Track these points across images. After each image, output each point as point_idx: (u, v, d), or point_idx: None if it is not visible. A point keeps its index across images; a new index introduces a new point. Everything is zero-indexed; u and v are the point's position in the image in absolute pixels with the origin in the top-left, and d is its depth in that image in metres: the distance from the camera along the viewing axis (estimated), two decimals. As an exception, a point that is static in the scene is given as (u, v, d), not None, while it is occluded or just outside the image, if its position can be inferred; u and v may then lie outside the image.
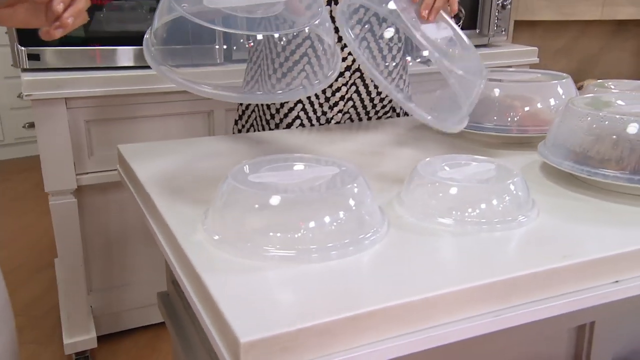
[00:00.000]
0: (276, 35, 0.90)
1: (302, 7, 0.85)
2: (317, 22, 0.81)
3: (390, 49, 1.11)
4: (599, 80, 1.14)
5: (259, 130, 1.18)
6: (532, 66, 2.11)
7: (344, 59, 1.11)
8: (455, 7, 0.92)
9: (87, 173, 1.60)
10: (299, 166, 0.72)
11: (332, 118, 1.17)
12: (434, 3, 0.87)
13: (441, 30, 0.87)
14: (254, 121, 1.20)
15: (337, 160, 0.73)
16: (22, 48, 1.49)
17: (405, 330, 0.56)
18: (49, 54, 1.52)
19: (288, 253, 0.63)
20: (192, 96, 1.55)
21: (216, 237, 0.65)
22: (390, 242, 0.68)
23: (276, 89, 1.09)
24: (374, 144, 1.05)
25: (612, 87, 1.11)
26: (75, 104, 1.53)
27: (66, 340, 1.68)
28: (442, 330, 0.58)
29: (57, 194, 1.57)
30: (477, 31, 2.00)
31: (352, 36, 0.80)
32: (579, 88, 1.13)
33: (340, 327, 0.53)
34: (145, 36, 0.77)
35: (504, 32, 2.05)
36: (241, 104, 1.21)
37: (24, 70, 1.51)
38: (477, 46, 2.02)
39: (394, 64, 1.13)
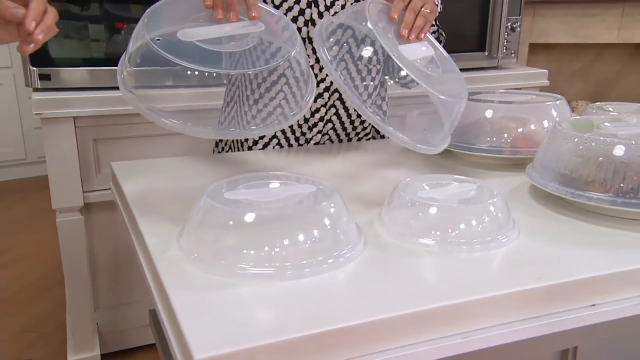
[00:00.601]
0: (255, 53, 0.91)
1: (279, 29, 0.87)
2: (293, 52, 0.82)
3: (369, 71, 1.11)
4: (597, 103, 1.13)
5: (237, 150, 1.18)
6: (543, 89, 2.10)
7: (322, 80, 1.11)
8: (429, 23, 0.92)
9: (94, 191, 1.62)
10: (275, 184, 0.73)
11: (311, 139, 1.16)
12: (414, 22, 0.87)
13: (422, 50, 0.87)
14: (232, 141, 1.20)
15: (314, 178, 0.74)
16: (34, 68, 1.53)
17: (370, 350, 0.56)
18: (60, 74, 1.56)
19: (261, 270, 0.63)
20: (202, 115, 1.58)
21: (190, 255, 0.66)
22: (365, 260, 0.67)
23: (252, 111, 1.09)
24: (356, 164, 1.05)
25: (611, 109, 1.10)
26: (84, 122, 1.57)
27: (70, 357, 1.70)
28: (410, 351, 0.57)
29: (64, 211, 1.60)
30: (486, 53, 2.00)
31: (329, 58, 0.81)
32: (572, 110, 1.12)
33: (302, 345, 0.53)
34: (120, 60, 0.79)
35: (513, 55, 2.04)
36: (220, 123, 1.21)
37: (36, 89, 1.55)
38: (485, 68, 2.03)
39: (372, 84, 1.13)
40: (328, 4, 1.04)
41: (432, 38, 0.92)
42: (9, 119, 3.52)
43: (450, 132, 0.88)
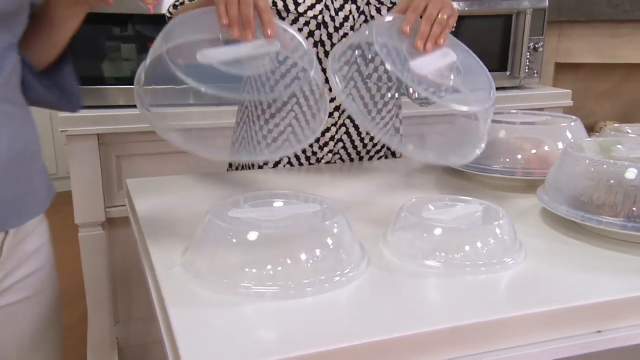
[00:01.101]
0: (265, 73, 0.92)
1: (293, 47, 0.88)
2: (311, 73, 0.83)
3: (378, 88, 1.11)
4: (615, 125, 1.11)
5: (248, 168, 1.18)
6: (567, 109, 2.07)
7: (332, 100, 1.10)
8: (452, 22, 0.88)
9: (116, 206, 1.65)
10: (279, 203, 0.73)
11: (322, 158, 1.16)
12: (430, 30, 0.86)
13: (440, 59, 0.85)
14: (246, 142, 1.19)
15: (319, 197, 0.74)
16: (61, 87, 1.58)
17: (366, 372, 0.56)
18: (86, 93, 1.60)
19: (264, 289, 0.63)
20: (216, 133, 1.60)
21: (193, 272, 0.66)
22: (368, 280, 0.67)
23: (263, 130, 1.09)
24: (366, 184, 1.05)
25: (629, 131, 1.08)
26: (108, 139, 1.60)
27: (89, 370, 1.72)
28: (407, 374, 0.57)
29: (87, 225, 1.63)
30: (508, 73, 1.99)
31: (341, 87, 0.81)
32: (598, 130, 1.10)
33: (297, 365, 0.53)
34: (136, 76, 0.80)
35: (536, 75, 2.02)
36: (233, 143, 1.22)
37: (62, 107, 1.60)
38: (507, 88, 2.01)
39: (383, 102, 1.12)
40: (337, 25, 1.05)
41: (453, 38, 0.90)
42: (42, 135, 3.58)
43: (482, 141, 0.85)
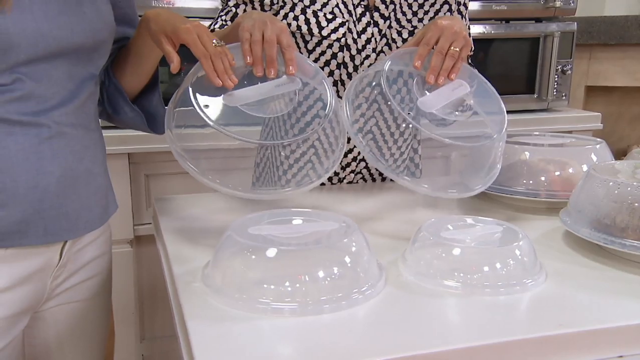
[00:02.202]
0: (286, 110, 0.95)
1: (312, 69, 0.90)
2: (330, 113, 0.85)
3: (396, 123, 1.11)
4: (643, 147, 1.10)
5: (271, 186, 1.19)
6: (597, 132, 2.04)
7: (356, 121, 1.12)
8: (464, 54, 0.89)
9: (144, 224, 1.68)
10: (298, 220, 0.74)
11: (344, 178, 1.17)
12: (442, 63, 0.87)
13: (451, 93, 0.87)
14: (269, 176, 1.22)
15: (337, 215, 0.75)
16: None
17: (381, 390, 0.56)
18: (117, 113, 1.65)
19: (282, 305, 0.64)
20: (245, 152, 1.62)
21: (213, 287, 0.67)
22: (385, 299, 0.67)
23: (284, 166, 1.11)
24: (387, 203, 1.05)
25: (657, 154, 1.07)
26: (137, 159, 1.64)
27: (114, 387, 1.74)
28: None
29: (115, 243, 1.66)
30: (535, 96, 1.97)
31: (355, 131, 0.84)
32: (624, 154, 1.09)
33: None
34: (167, 114, 0.84)
35: (564, 97, 2.00)
36: (257, 164, 1.24)
37: (95, 127, 1.64)
38: (535, 111, 2.00)
39: (399, 132, 1.13)
40: (360, 47, 1.07)
41: (467, 67, 0.91)
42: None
43: (490, 176, 0.87)
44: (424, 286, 0.70)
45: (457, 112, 0.88)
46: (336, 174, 1.16)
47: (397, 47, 1.09)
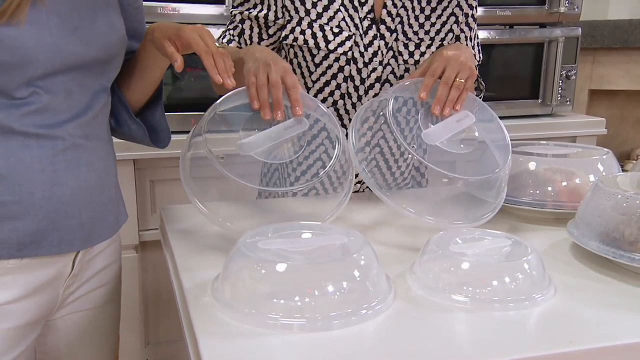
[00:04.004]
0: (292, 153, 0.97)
1: (314, 104, 0.91)
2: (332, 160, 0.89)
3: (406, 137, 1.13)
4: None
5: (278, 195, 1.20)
6: (601, 137, 2.04)
7: (363, 135, 1.12)
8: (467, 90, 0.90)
9: (149, 229, 1.69)
10: (307, 234, 0.74)
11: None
12: (448, 94, 0.87)
13: (455, 124, 0.88)
14: (277, 179, 1.22)
15: (346, 229, 0.75)
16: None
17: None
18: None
19: (291, 321, 0.63)
20: (250, 159, 1.62)
21: (223, 302, 0.67)
22: (395, 314, 0.67)
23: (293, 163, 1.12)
24: (394, 213, 1.05)
25: (664, 163, 1.06)
26: (143, 164, 1.64)
27: (119, 391, 1.74)
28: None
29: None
30: (540, 101, 1.97)
31: (358, 162, 0.86)
32: (635, 158, 1.07)
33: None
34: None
35: (569, 102, 2.01)
36: (264, 166, 1.25)
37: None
38: (539, 116, 2.00)
39: (403, 159, 1.13)
40: (366, 60, 1.07)
41: (472, 96, 0.92)
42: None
43: (496, 203, 0.88)
44: (433, 300, 0.70)
45: (462, 145, 0.88)
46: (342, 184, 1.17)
47: (404, 60, 1.09)
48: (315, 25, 1.05)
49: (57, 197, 0.82)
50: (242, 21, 1.09)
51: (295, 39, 1.06)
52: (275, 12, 1.07)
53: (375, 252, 0.71)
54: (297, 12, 1.05)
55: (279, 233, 0.74)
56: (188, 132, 1.75)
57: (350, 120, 1.13)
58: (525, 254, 0.72)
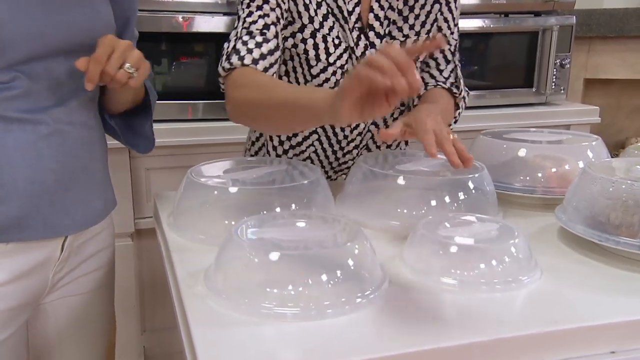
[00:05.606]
0: None
1: None
2: None
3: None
4: (638, 144, 1.11)
5: (267, 154, 1.20)
6: (594, 126, 2.05)
7: (355, 127, 1.13)
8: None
9: (145, 217, 1.70)
10: (301, 223, 0.75)
11: (345, 163, 1.19)
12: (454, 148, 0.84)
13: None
14: (265, 148, 1.21)
15: (340, 217, 0.76)
16: (94, 102, 1.63)
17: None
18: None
19: (285, 310, 0.63)
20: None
21: (216, 291, 0.67)
22: (388, 299, 0.68)
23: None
24: (385, 197, 1.05)
25: (653, 150, 1.08)
26: (138, 153, 1.65)
27: (116, 378, 1.76)
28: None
29: (116, 236, 1.67)
30: (534, 90, 1.98)
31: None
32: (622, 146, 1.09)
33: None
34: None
35: (562, 91, 2.01)
36: (252, 133, 1.25)
37: (95, 121, 1.65)
38: (533, 104, 2.00)
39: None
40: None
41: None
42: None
43: None
44: (424, 284, 0.71)
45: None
46: (337, 159, 1.17)
47: None
48: (319, 35, 1.03)
49: (40, 181, 0.82)
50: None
51: (295, 45, 1.04)
52: (282, 12, 1.05)
53: (370, 241, 0.71)
54: (300, 17, 1.03)
55: (272, 222, 0.75)
56: (184, 120, 1.75)
57: (342, 130, 1.13)
58: (512, 237, 0.73)
